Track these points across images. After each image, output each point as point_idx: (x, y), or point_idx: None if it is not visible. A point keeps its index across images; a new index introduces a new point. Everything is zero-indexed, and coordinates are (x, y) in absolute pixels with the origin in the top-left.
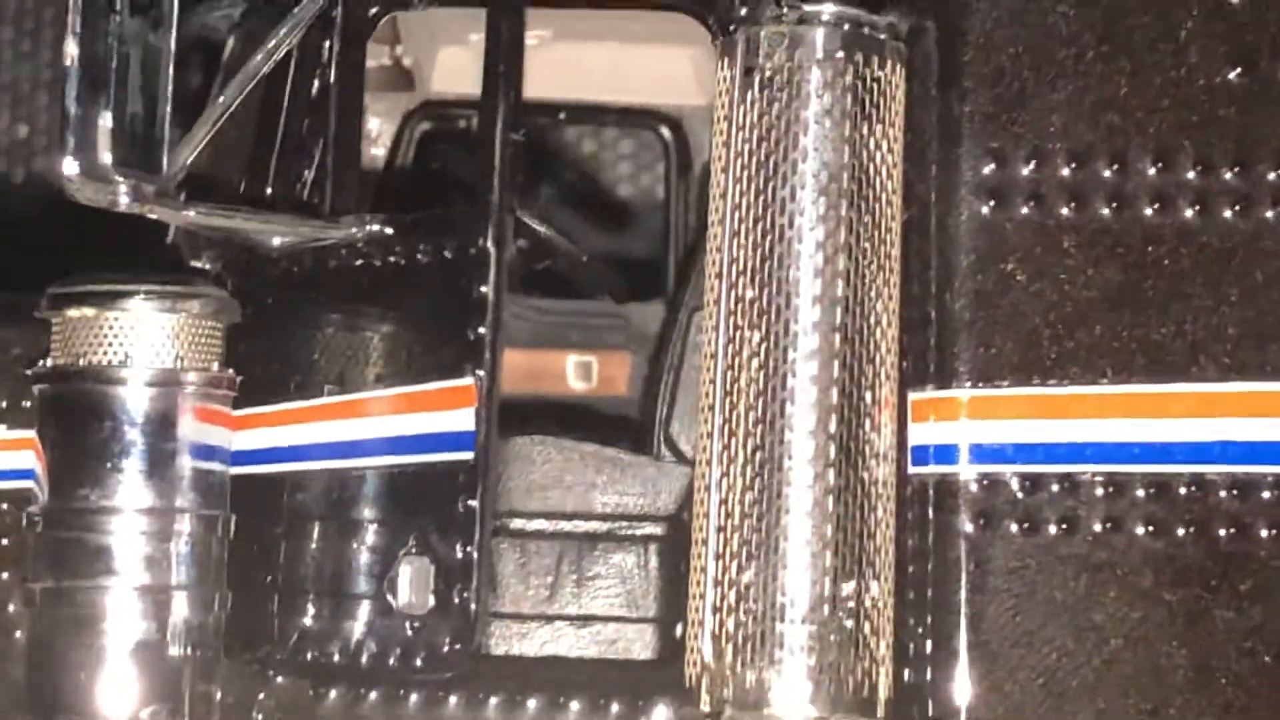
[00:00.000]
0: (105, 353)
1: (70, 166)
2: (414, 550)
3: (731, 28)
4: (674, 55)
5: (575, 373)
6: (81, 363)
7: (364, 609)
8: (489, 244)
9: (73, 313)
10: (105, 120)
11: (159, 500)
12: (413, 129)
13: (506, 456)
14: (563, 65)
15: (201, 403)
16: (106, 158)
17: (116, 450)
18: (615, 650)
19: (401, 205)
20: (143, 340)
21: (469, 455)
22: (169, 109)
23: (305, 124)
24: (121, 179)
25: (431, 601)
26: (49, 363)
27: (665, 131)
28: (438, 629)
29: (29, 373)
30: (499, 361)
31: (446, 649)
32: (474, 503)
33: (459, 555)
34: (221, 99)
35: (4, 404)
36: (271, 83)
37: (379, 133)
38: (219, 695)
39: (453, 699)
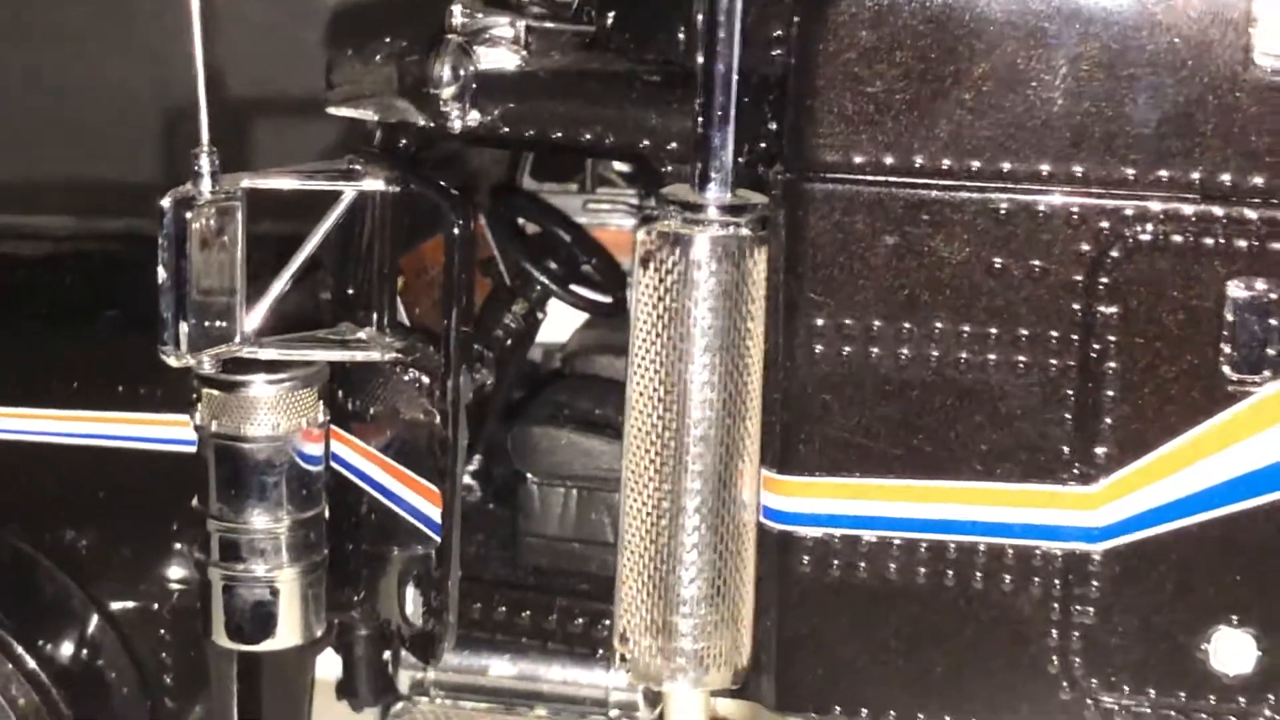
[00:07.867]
0: None
1: (168, 357)
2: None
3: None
4: None
5: None
6: None
7: None
8: None
9: None
10: (183, 327)
11: None
12: None
13: None
14: None
15: None
16: (185, 345)
17: None
18: None
19: None
20: None
21: None
22: (242, 293)
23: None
24: (205, 353)
25: None
26: None
27: None
28: None
29: None
30: None
31: None
32: None
33: None
34: (283, 273)
35: None
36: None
37: None
38: None
39: None
